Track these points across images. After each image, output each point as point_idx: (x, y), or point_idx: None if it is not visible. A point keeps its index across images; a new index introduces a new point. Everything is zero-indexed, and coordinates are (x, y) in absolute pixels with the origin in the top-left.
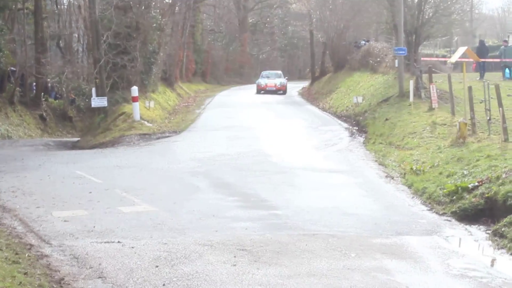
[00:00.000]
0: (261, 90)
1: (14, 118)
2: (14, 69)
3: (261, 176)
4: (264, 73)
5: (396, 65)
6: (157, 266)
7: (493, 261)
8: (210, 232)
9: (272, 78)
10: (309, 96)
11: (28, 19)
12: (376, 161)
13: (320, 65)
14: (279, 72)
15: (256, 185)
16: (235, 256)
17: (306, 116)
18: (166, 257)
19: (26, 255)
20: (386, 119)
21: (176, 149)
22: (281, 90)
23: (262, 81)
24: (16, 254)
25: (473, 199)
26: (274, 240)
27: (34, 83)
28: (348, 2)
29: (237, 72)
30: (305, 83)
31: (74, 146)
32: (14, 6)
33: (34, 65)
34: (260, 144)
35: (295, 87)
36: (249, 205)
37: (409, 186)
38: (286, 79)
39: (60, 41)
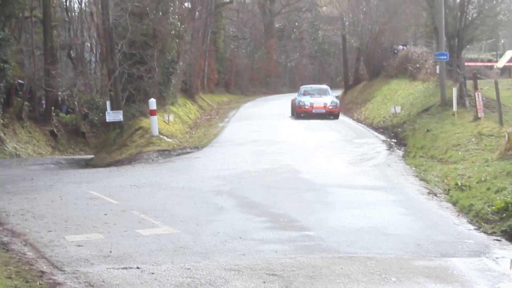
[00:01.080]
0: (302, 113)
1: (23, 134)
2: (22, 82)
3: (291, 194)
4: (304, 88)
5: (438, 71)
6: None
7: None
8: (236, 255)
9: (317, 96)
10: (342, 106)
11: (36, 28)
12: (417, 176)
13: (354, 73)
14: (325, 87)
15: (285, 204)
16: (264, 282)
17: (339, 128)
18: (189, 284)
19: (38, 283)
20: (427, 131)
21: (198, 166)
22: (332, 114)
23: (306, 100)
24: (27, 282)
25: None
26: (307, 263)
27: (44, 97)
28: (383, 4)
29: (263, 81)
30: (338, 92)
31: (87, 164)
32: (21, 14)
33: (43, 77)
34: (289, 160)
35: None
36: (278, 226)
37: (454, 203)
38: (336, 97)
39: (71, 51)
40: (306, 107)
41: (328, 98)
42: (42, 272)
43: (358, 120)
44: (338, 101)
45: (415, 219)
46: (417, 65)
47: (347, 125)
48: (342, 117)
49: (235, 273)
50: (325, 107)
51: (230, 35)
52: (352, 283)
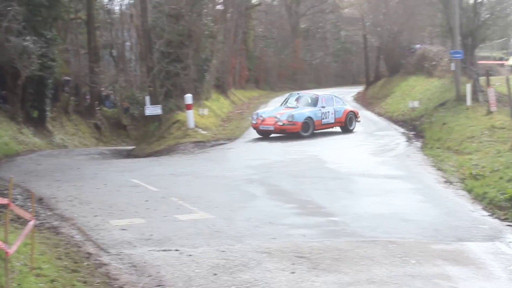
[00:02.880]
0: (254, 129)
1: (69, 127)
2: (69, 78)
3: (317, 182)
4: (291, 96)
5: (452, 68)
6: (215, 274)
7: None
8: (267, 239)
9: (289, 108)
10: (363, 101)
11: (81, 29)
12: (434, 166)
13: (375, 70)
14: (315, 95)
15: (312, 192)
16: (293, 264)
17: (361, 121)
18: (224, 265)
19: (85, 263)
20: (443, 124)
21: (231, 156)
22: (283, 132)
23: (261, 113)
24: (75, 262)
25: None
26: (333, 247)
27: (88, 92)
28: (401, 6)
29: (290, 78)
30: (359, 88)
31: (129, 154)
32: (67, 16)
33: (87, 74)
34: (315, 151)
35: (349, 92)
36: (306, 212)
37: (469, 191)
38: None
39: (113, 50)
40: (254, 121)
41: (295, 112)
42: (89, 253)
43: (379, 114)
44: (343, 109)
45: (433, 206)
46: (433, 63)
47: (368, 119)
48: (364, 111)
49: (266, 255)
50: (275, 123)
51: (259, 35)
52: (375, 265)
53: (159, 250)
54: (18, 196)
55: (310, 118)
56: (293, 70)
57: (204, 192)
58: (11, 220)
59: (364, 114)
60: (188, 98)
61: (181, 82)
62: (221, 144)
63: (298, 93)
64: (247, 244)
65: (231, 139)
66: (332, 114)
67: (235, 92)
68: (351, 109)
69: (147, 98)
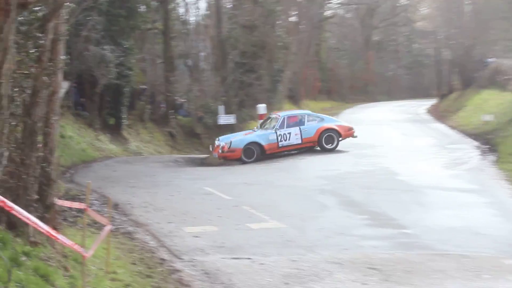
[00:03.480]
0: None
1: (145, 135)
2: (145, 87)
3: (389, 194)
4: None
5: None
6: (287, 284)
7: None
8: (339, 250)
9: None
10: (436, 114)
11: (157, 39)
12: (508, 180)
13: (447, 83)
14: (303, 114)
15: (383, 204)
16: (364, 275)
17: (433, 134)
18: (295, 274)
19: (159, 269)
20: None
21: (303, 166)
22: (224, 159)
23: (226, 138)
24: (149, 268)
25: None
26: (404, 259)
27: (163, 101)
28: (474, 19)
29: (362, 90)
30: (432, 101)
31: (202, 162)
32: (144, 27)
33: (163, 83)
34: (387, 162)
35: (421, 105)
36: (377, 223)
37: None
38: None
39: (188, 60)
40: (211, 148)
41: (235, 138)
42: (163, 259)
43: (452, 127)
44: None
45: (507, 221)
46: (507, 77)
47: (441, 132)
48: (436, 124)
49: (337, 266)
50: (218, 151)
51: (332, 47)
52: (447, 278)
53: (231, 258)
54: (95, 202)
55: (255, 143)
56: (365, 82)
57: (276, 202)
58: (88, 224)
59: (437, 127)
60: (261, 108)
61: (254, 92)
62: (292, 154)
63: (270, 114)
64: (318, 254)
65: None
66: (296, 135)
67: (308, 102)
68: (332, 126)
69: (221, 108)
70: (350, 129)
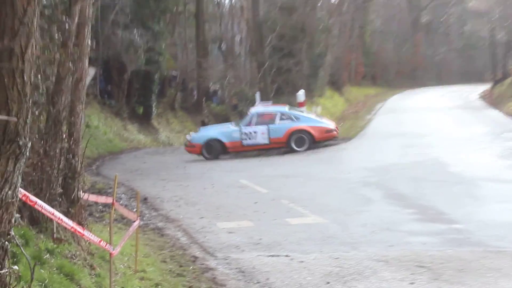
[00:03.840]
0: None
1: (175, 124)
2: (176, 73)
3: (439, 187)
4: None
5: None
6: (328, 283)
7: None
8: (384, 247)
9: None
10: (490, 100)
11: (189, 22)
12: None
13: (502, 67)
14: (277, 111)
15: (433, 197)
16: (412, 274)
17: (487, 121)
18: (337, 273)
19: (191, 267)
20: None
21: (345, 157)
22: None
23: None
24: (181, 266)
25: None
26: (456, 256)
27: (195, 88)
28: None
29: (410, 75)
30: (485, 86)
31: (237, 154)
32: (175, 9)
33: (195, 69)
34: (436, 153)
35: (474, 91)
36: (426, 218)
37: None
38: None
39: (222, 45)
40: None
41: (196, 134)
42: (195, 257)
43: (507, 114)
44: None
45: None
46: None
47: (494, 119)
48: (489, 110)
49: (383, 263)
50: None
51: (377, 30)
52: (503, 277)
53: (268, 255)
54: (122, 195)
55: (216, 140)
56: (412, 66)
57: (317, 195)
58: (115, 219)
59: (491, 114)
60: (301, 95)
61: (293, 78)
62: (334, 144)
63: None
64: (362, 251)
65: (345, 139)
66: (263, 134)
67: (351, 89)
68: (304, 127)
69: (257, 95)
70: (329, 131)
